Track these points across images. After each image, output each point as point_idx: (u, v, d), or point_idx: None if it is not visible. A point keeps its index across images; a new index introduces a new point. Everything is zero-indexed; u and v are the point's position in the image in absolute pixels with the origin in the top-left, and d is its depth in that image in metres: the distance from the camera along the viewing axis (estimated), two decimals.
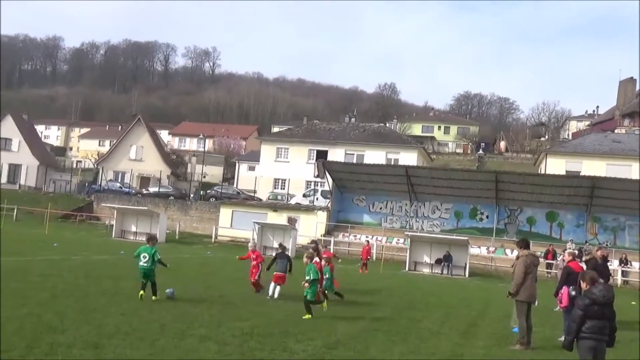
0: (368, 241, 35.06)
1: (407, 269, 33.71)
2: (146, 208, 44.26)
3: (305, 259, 12.87)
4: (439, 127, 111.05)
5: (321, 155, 55.27)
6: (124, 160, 65.17)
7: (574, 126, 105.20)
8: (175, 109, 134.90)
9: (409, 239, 35.19)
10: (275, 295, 14.88)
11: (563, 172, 48.03)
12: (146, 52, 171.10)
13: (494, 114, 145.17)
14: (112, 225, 42.35)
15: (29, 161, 67.68)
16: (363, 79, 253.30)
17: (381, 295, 18.78)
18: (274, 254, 17.04)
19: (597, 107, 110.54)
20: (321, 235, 41.42)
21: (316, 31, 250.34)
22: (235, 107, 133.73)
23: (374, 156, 55.29)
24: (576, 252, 15.55)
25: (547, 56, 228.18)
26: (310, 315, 12.20)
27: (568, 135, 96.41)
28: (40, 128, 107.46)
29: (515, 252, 12.12)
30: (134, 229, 41.47)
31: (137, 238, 39.36)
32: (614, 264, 32.65)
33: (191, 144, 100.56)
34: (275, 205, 46.98)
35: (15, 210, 47.65)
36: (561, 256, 28.47)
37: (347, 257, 36.79)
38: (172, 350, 8.24)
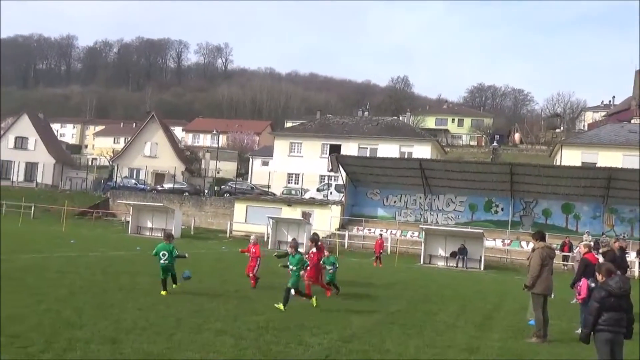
0: (381, 235, 35.03)
1: (422, 262, 33.65)
2: (161, 204, 44.58)
3: (289, 249, 12.84)
4: (453, 120, 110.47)
5: (334, 150, 55.25)
6: (138, 157, 65.61)
7: (589, 117, 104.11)
8: (189, 106, 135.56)
9: (423, 232, 35.11)
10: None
11: (579, 164, 47.58)
12: (159, 49, 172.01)
13: (508, 105, 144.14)
14: (128, 221, 42.70)
15: (45, 159, 68.38)
16: (376, 72, 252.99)
17: (396, 289, 18.77)
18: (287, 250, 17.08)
19: (613, 97, 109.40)
20: (335, 230, 41.49)
21: (328, 25, 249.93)
22: (248, 103, 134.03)
23: (388, 150, 55.18)
24: (592, 244, 15.41)
25: (562, 46, 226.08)
26: (282, 306, 11.90)
27: (584, 126, 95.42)
28: (55, 126, 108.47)
29: (531, 245, 12.04)
30: (149, 225, 41.79)
31: (153, 234, 39.68)
32: (631, 256, 32.33)
33: (205, 140, 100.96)
34: (289, 200, 47.07)
35: (32, 208, 48.20)
36: (577, 248, 28.24)
37: (362, 251, 36.82)
38: (188, 345, 8.31)
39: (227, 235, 42.93)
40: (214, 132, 73.24)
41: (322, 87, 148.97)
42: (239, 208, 45.60)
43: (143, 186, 57.27)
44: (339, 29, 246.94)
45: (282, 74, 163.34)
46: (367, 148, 57.66)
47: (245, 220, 44.28)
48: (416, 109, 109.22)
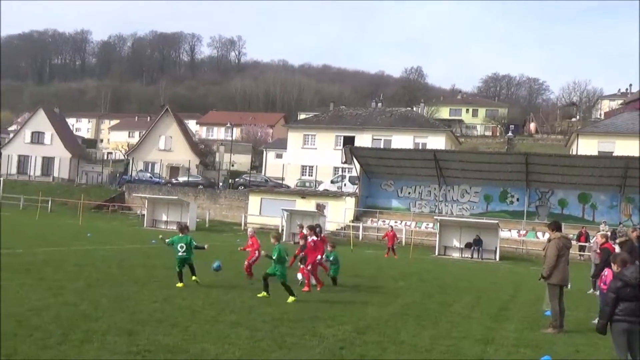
0: (392, 226, 34.83)
1: (436, 253, 33.55)
2: (176, 197, 44.83)
3: (272, 240, 12.78)
4: (467, 110, 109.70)
5: (348, 141, 55.16)
6: (153, 151, 65.99)
7: (606, 105, 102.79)
8: (203, 99, 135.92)
9: (438, 224, 34.98)
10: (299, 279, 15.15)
11: (595, 153, 47.13)
12: (172, 43, 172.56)
13: (523, 95, 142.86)
14: (144, 214, 43.01)
15: (61, 154, 69.05)
16: (389, 63, 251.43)
17: (411, 280, 18.73)
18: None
19: (630, 85, 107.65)
20: (350, 221, 41.47)
21: (341, 16, 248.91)
22: (262, 95, 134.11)
23: (402, 141, 54.96)
24: (609, 233, 15.30)
25: (578, 33, 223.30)
26: (266, 294, 11.89)
27: (600, 114, 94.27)
28: (71, 121, 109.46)
29: (547, 235, 11.96)
30: (164, 218, 42.06)
31: (168, 227, 39.91)
32: None
33: (219, 133, 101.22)
34: (303, 192, 47.11)
35: (49, 202, 48.74)
36: (594, 238, 28.01)
37: (376, 242, 36.76)
38: (203, 336, 8.37)
39: (242, 227, 43.07)
40: (228, 125, 73.43)
41: (335, 79, 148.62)
42: (254, 200, 45.74)
43: (158, 179, 57.65)
44: (353, 19, 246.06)
45: (295, 66, 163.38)
46: (381, 139, 57.48)
47: (260, 212, 44.42)
48: (430, 100, 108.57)
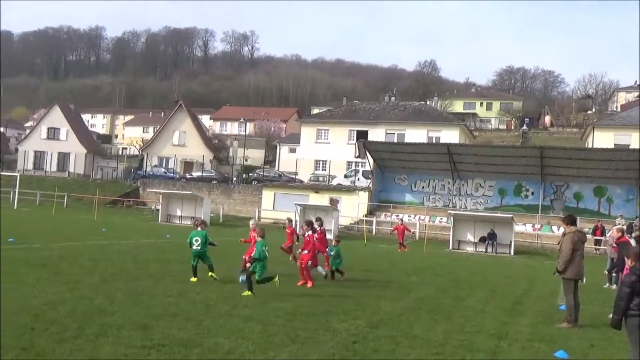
0: (402, 220, 34.65)
1: (450, 247, 33.43)
2: (190, 192, 45.03)
3: (257, 236, 12.68)
4: (481, 104, 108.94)
5: (361, 136, 55.06)
6: (167, 146, 66.34)
7: (622, 97, 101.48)
8: (216, 94, 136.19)
9: (452, 218, 34.82)
10: (323, 273, 15.25)
11: (611, 146, 46.58)
12: (185, 38, 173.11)
13: (538, 88, 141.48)
14: (158, 209, 43.27)
15: (77, 150, 69.68)
16: (402, 56, 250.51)
17: (424, 275, 18.70)
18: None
19: None
20: (363, 216, 41.44)
21: (354, 10, 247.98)
22: (275, 90, 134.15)
23: (415, 135, 54.72)
24: (625, 227, 15.15)
25: (594, 25, 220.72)
26: (251, 292, 11.73)
27: (616, 107, 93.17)
28: (86, 117, 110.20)
29: (562, 229, 11.88)
30: (179, 213, 42.29)
31: (183, 222, 40.17)
32: None
33: (232, 128, 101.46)
34: (316, 186, 47.13)
35: (65, 198, 49.20)
36: (610, 232, 27.77)
37: (390, 237, 36.69)
38: (217, 330, 8.42)
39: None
40: (241, 120, 73.69)
41: (348, 73, 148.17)
42: (267, 195, 45.83)
43: (172, 175, 57.96)
44: (366, 13, 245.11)
45: (308, 61, 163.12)
46: (394, 133, 57.26)
47: (273, 207, 44.51)
48: (444, 93, 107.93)
